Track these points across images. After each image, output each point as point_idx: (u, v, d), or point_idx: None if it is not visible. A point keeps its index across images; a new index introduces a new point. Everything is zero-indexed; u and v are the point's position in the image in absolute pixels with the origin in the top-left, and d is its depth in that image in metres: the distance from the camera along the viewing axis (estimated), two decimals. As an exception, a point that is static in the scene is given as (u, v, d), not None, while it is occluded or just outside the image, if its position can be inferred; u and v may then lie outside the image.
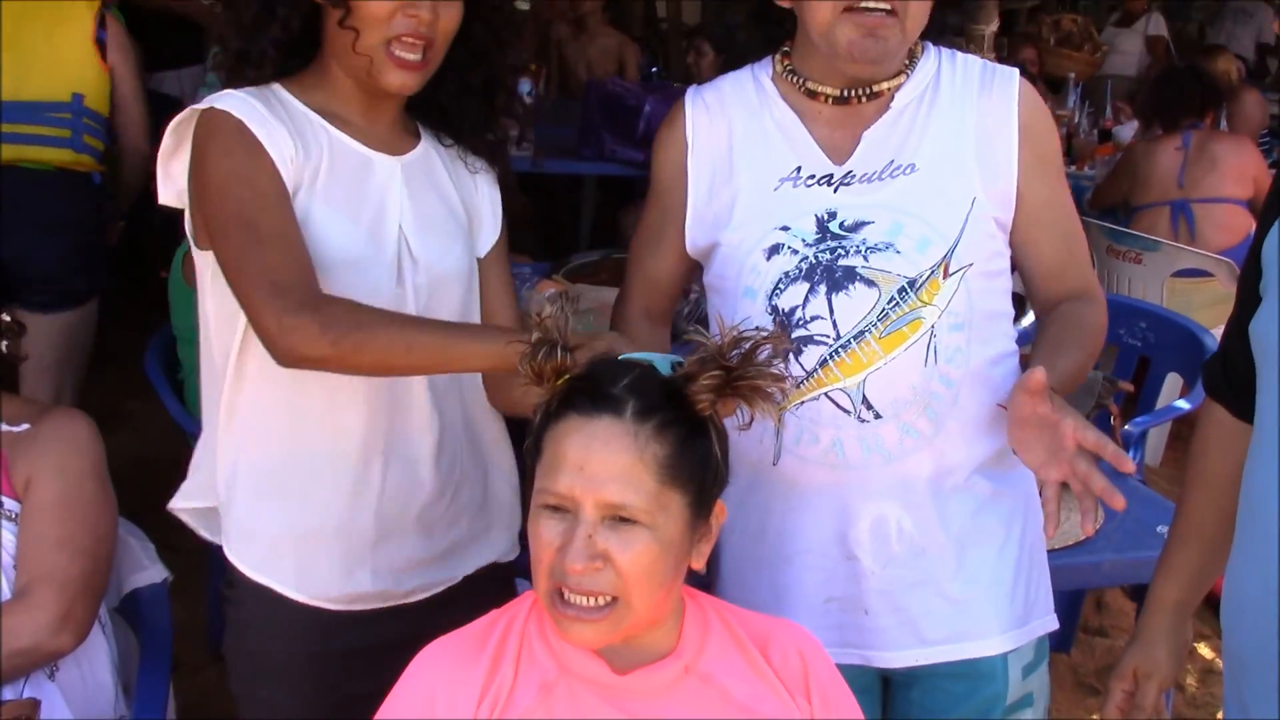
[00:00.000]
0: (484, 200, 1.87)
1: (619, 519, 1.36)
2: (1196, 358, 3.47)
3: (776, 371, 1.42)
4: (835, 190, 1.71)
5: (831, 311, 1.67)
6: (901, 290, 1.66)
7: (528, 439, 1.47)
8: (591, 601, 1.37)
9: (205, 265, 1.68)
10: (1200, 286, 4.54)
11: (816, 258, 1.68)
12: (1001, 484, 1.77)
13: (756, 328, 1.44)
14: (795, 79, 1.76)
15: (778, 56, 1.80)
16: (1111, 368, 3.69)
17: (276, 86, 1.69)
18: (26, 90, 3.22)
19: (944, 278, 1.67)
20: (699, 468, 1.41)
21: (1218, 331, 3.89)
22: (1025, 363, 1.70)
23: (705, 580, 1.85)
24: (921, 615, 1.74)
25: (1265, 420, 1.38)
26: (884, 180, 1.71)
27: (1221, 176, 4.91)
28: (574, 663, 1.44)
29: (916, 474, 1.71)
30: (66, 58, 3.32)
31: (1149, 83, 5.67)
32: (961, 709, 1.77)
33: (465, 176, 1.85)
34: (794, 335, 1.68)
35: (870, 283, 1.66)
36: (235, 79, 1.69)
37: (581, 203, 6.95)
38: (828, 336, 1.67)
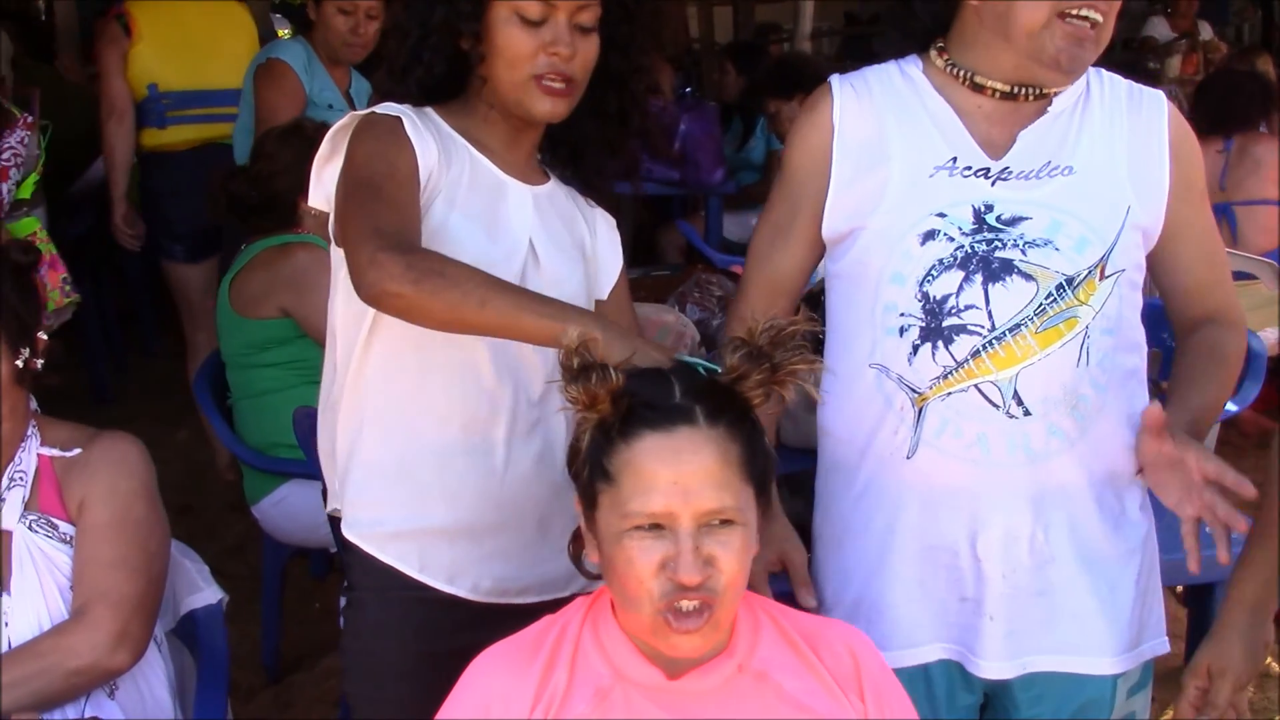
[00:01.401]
0: (602, 241, 1.93)
1: (714, 524, 1.38)
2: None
3: (809, 355, 1.43)
4: (993, 184, 1.69)
5: (988, 301, 1.65)
6: (1060, 287, 1.64)
7: (577, 465, 1.47)
8: (693, 606, 1.38)
9: (340, 265, 1.73)
10: (1243, 289, 4.48)
11: (973, 247, 1.66)
12: (1131, 499, 1.76)
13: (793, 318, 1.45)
14: (958, 71, 1.74)
15: (933, 52, 1.78)
16: (1156, 371, 3.66)
17: (428, 110, 1.78)
18: (214, 81, 4.22)
19: (1100, 279, 1.66)
20: (763, 460, 1.44)
21: (1263, 334, 3.86)
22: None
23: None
24: (1042, 625, 1.72)
25: None
26: (1041, 179, 1.70)
27: (1263, 179, 4.86)
28: (628, 668, 1.45)
29: (1057, 479, 1.69)
30: (241, 51, 4.27)
31: (1202, 89, 5.62)
32: None
33: (586, 219, 1.92)
34: (944, 324, 1.66)
35: (1029, 276, 1.64)
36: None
37: (620, 222, 6.97)
38: (982, 327, 1.65)
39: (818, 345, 1.78)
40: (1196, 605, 2.42)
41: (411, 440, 1.76)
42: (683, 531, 1.37)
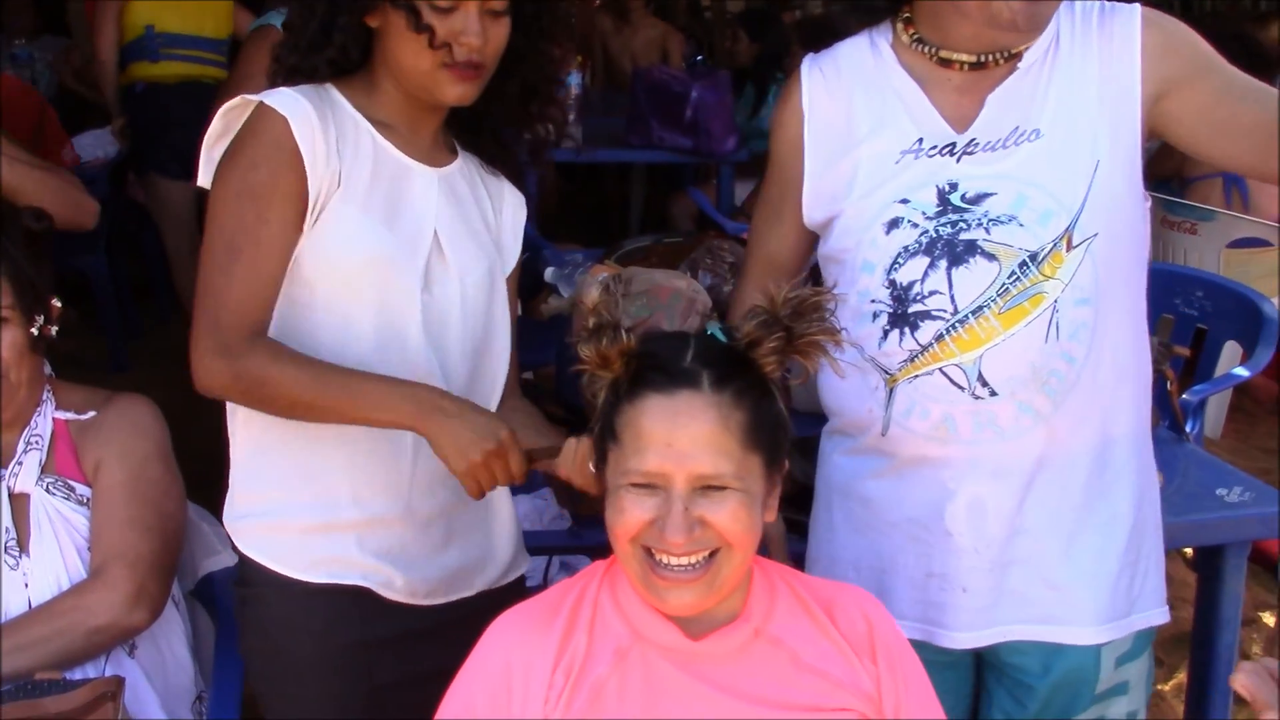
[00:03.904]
0: (506, 221, 1.90)
1: (709, 487, 1.39)
2: (1254, 325, 3.43)
3: (830, 325, 1.44)
4: (958, 160, 1.68)
5: (950, 286, 1.64)
6: (1023, 264, 1.63)
7: (592, 423, 1.49)
8: (690, 560, 1.39)
9: None
10: (1258, 256, 4.48)
11: (937, 231, 1.66)
12: (1118, 469, 1.74)
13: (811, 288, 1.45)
14: (925, 48, 1.72)
15: (900, 25, 1.75)
16: (1169, 337, 3.66)
17: (330, 87, 1.73)
18: (199, 28, 4.88)
19: (1067, 250, 1.63)
20: (772, 428, 1.44)
21: (1276, 300, 3.86)
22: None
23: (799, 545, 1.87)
24: (1015, 596, 1.72)
25: None
26: (1008, 148, 1.67)
27: (1277, 145, 4.84)
28: (648, 629, 1.46)
29: (1029, 453, 1.68)
30: (225, 9, 4.99)
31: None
32: (1046, 690, 1.75)
33: (492, 195, 1.89)
34: (910, 310, 1.66)
35: (991, 256, 1.63)
36: (289, 83, 1.72)
37: (631, 191, 6.98)
38: (945, 311, 1.65)
39: None
40: (1206, 569, 2.42)
41: (316, 433, 1.71)
42: (675, 492, 1.38)
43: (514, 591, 1.90)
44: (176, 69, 4.90)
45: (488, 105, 1.79)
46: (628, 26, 7.24)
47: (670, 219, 6.18)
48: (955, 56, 1.70)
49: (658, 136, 5.49)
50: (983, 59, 1.69)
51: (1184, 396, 3.20)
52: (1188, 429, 3.12)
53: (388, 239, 1.70)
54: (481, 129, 1.87)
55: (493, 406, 1.84)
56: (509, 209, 1.91)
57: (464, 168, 1.85)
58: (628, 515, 1.40)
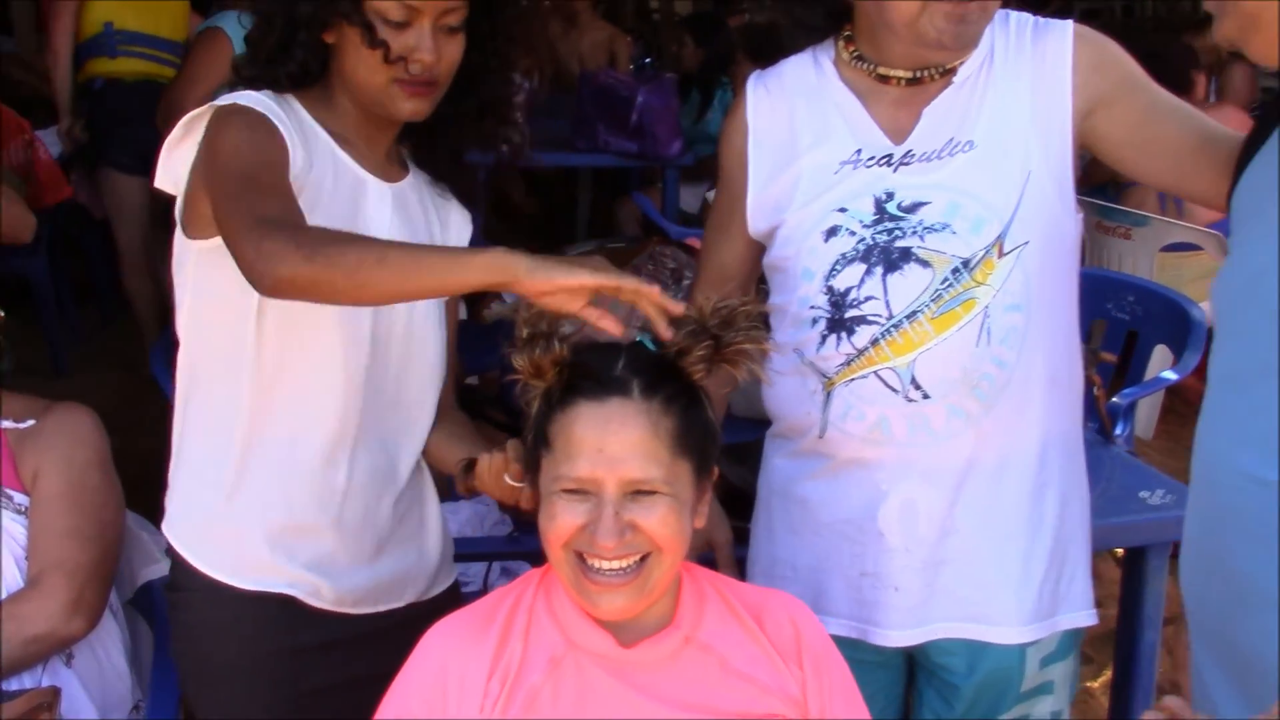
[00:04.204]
0: (453, 237, 1.91)
1: (639, 492, 1.42)
2: (1183, 329, 3.51)
3: (758, 335, 1.47)
4: (895, 170, 1.73)
5: (885, 291, 1.69)
6: (955, 270, 1.67)
7: (526, 431, 1.52)
8: (621, 564, 1.42)
9: (188, 255, 1.72)
10: (1190, 260, 4.57)
11: (874, 239, 1.70)
12: (1047, 473, 1.78)
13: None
14: (864, 65, 1.77)
15: (840, 42, 1.81)
16: (1100, 341, 3.73)
17: (290, 97, 1.74)
18: (156, 28, 4.91)
19: (999, 257, 1.68)
20: (701, 435, 1.48)
21: (1205, 304, 3.94)
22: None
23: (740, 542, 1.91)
24: (945, 595, 1.77)
25: (1212, 376, 1.45)
26: (943, 159, 1.72)
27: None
28: (581, 637, 1.48)
29: (959, 455, 1.73)
30: (181, 10, 5.07)
31: (1139, 60, 5.67)
32: (972, 690, 1.80)
33: (439, 214, 1.90)
34: (847, 315, 1.71)
35: (925, 263, 1.68)
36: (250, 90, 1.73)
37: (578, 195, 6.99)
38: (880, 316, 1.69)
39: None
40: (1130, 569, 2.49)
41: (250, 439, 1.72)
42: (606, 497, 1.41)
43: (444, 602, 1.91)
44: (135, 66, 4.91)
45: (444, 123, 1.81)
46: (575, 29, 7.24)
47: (616, 223, 6.21)
48: (892, 73, 1.75)
49: (603, 140, 5.51)
50: (918, 75, 1.74)
51: (1114, 399, 3.27)
52: (1118, 431, 3.19)
53: None
54: (437, 146, 1.89)
55: (422, 416, 1.86)
56: (455, 226, 1.92)
57: (414, 183, 1.86)
58: (560, 521, 1.43)
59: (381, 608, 1.84)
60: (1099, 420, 2.73)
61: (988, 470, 1.74)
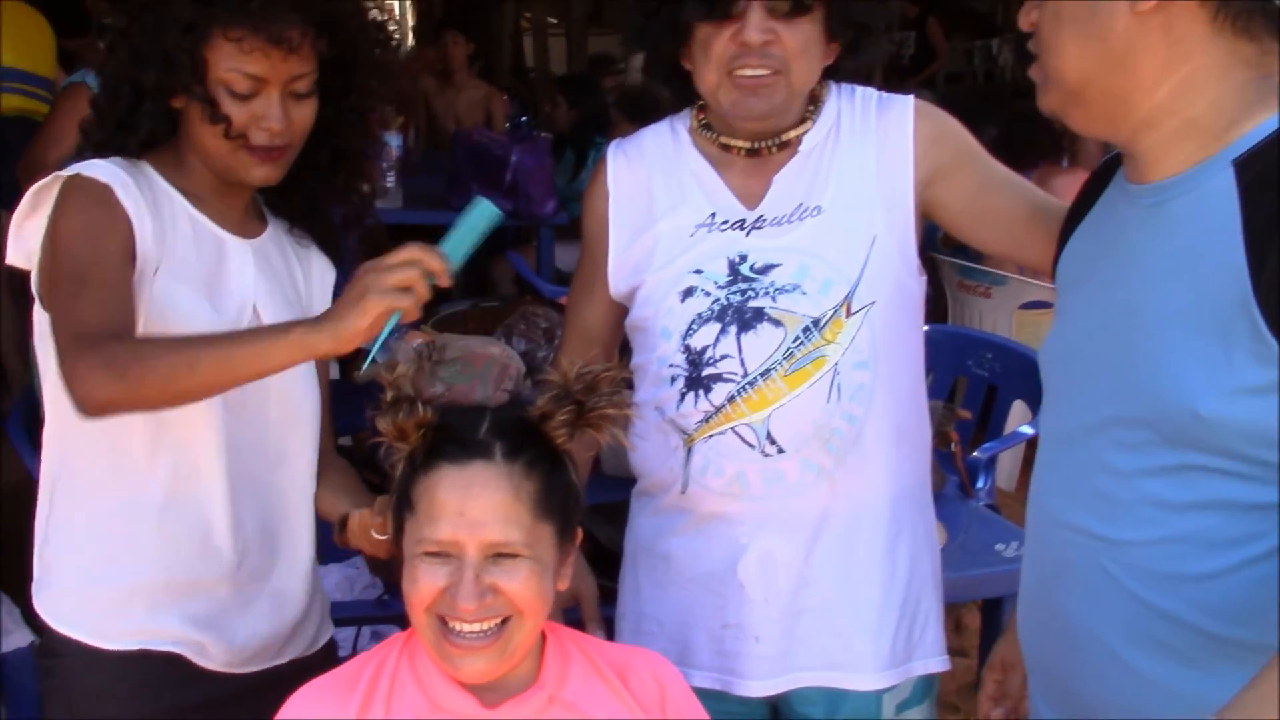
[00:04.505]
0: (316, 286, 1.92)
1: (500, 555, 1.43)
2: (1039, 385, 3.61)
3: (620, 400, 1.51)
4: (748, 234, 1.80)
5: (740, 350, 1.75)
6: (806, 329, 1.74)
7: (391, 493, 1.53)
8: (482, 627, 1.43)
9: (48, 328, 1.68)
10: (1047, 317, 4.70)
11: (728, 299, 1.77)
12: (898, 524, 1.85)
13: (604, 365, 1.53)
14: (710, 134, 1.85)
15: (694, 111, 1.89)
16: (961, 399, 3.85)
17: (143, 163, 1.72)
18: (33, 65, 4.80)
19: (846, 316, 1.75)
20: (563, 498, 1.50)
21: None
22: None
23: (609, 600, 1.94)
24: (804, 644, 1.82)
25: (1043, 435, 1.53)
26: (793, 223, 1.80)
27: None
28: (445, 700, 1.48)
29: (814, 508, 1.79)
30: (49, 45, 4.93)
31: (1002, 125, 5.88)
32: None
33: (301, 263, 1.90)
34: (704, 373, 1.76)
35: (777, 323, 1.75)
36: (99, 157, 1.70)
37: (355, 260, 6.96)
38: (735, 374, 1.75)
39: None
40: (988, 618, 2.57)
41: (112, 497, 1.71)
42: (467, 560, 1.42)
43: (325, 659, 1.91)
44: (13, 102, 4.87)
45: (297, 176, 1.81)
46: (451, 87, 7.28)
47: (491, 281, 6.22)
48: (734, 143, 1.83)
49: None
50: (756, 146, 1.82)
51: (974, 454, 3.37)
52: (979, 484, 3.29)
53: (215, 317, 1.71)
54: (294, 195, 1.88)
55: (305, 469, 1.86)
56: (317, 273, 1.93)
57: (274, 235, 1.86)
58: (421, 584, 1.44)
59: (266, 665, 1.82)
60: (958, 475, 2.82)
61: (841, 522, 1.80)
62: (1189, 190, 1.33)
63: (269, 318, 1.76)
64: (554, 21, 10.19)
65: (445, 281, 1.48)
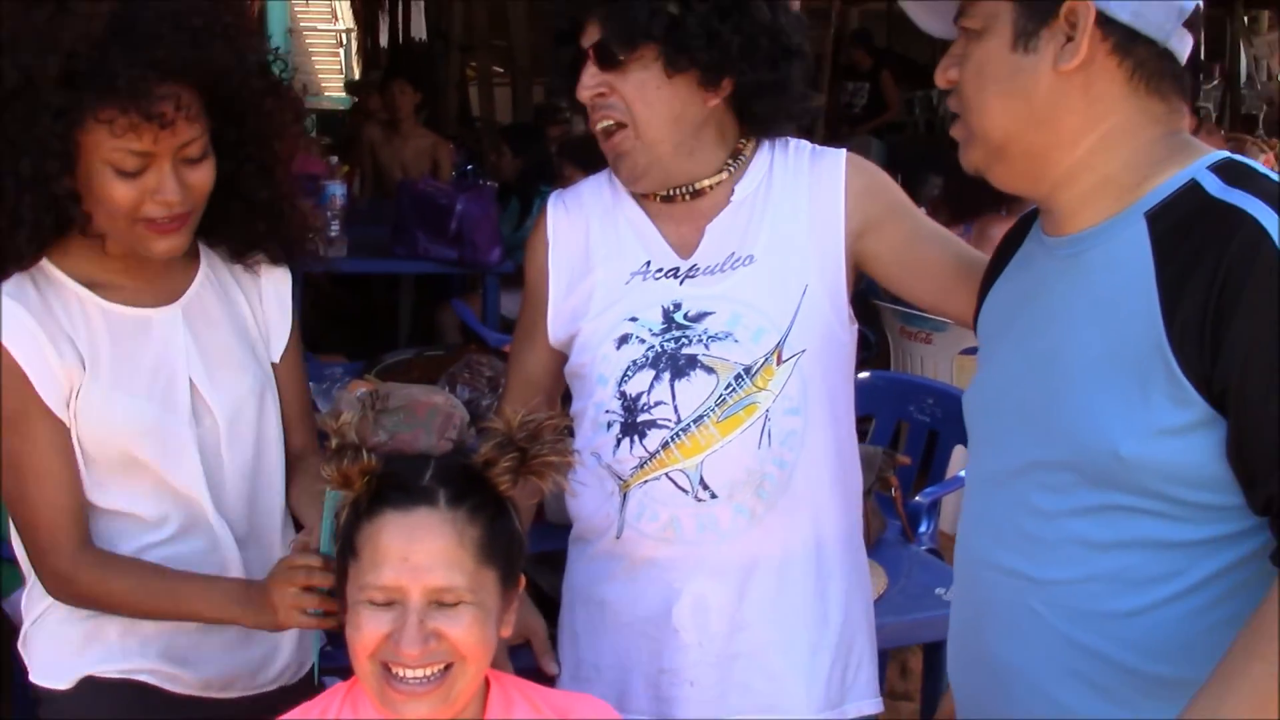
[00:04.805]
0: (269, 305, 1.89)
1: (444, 602, 1.44)
2: (980, 430, 3.68)
3: (563, 448, 1.54)
4: (681, 283, 1.84)
5: (674, 397, 1.78)
6: (738, 376, 1.77)
7: (335, 541, 1.54)
8: (425, 673, 1.44)
9: None
10: (986, 363, 4.80)
11: (662, 346, 1.80)
12: (830, 568, 1.88)
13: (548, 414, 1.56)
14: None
15: None
16: (904, 444, 3.89)
17: (45, 263, 1.68)
18: None
19: (777, 364, 1.79)
20: (507, 544, 1.52)
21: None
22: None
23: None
24: (739, 687, 1.84)
25: (969, 479, 1.57)
26: (725, 272, 1.83)
27: (1001, 257, 5.21)
28: (385, 746, 1.48)
29: (746, 552, 1.81)
30: None
31: (948, 176, 5.97)
32: None
33: (250, 283, 1.88)
34: (639, 419, 1.79)
35: (710, 369, 1.78)
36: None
37: (399, 301, 6.99)
38: (669, 420, 1.78)
39: None
40: (930, 662, 2.59)
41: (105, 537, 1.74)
42: (410, 605, 1.44)
43: (307, 686, 1.89)
44: None
45: (217, 225, 1.78)
46: (398, 136, 7.31)
47: (437, 329, 6.22)
48: (639, 191, 1.88)
49: (423, 248, 5.54)
50: (671, 194, 1.86)
51: (916, 498, 3.42)
52: (922, 528, 3.33)
53: (146, 408, 1.72)
54: (221, 241, 1.84)
55: (278, 518, 1.88)
56: (270, 288, 1.90)
57: (208, 273, 1.83)
58: (365, 631, 1.45)
59: (249, 692, 1.84)
60: (900, 520, 2.86)
61: (773, 566, 1.83)
62: (1104, 241, 1.38)
63: (205, 384, 1.76)
64: (499, 71, 10.26)
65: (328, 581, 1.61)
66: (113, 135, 1.58)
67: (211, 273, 1.84)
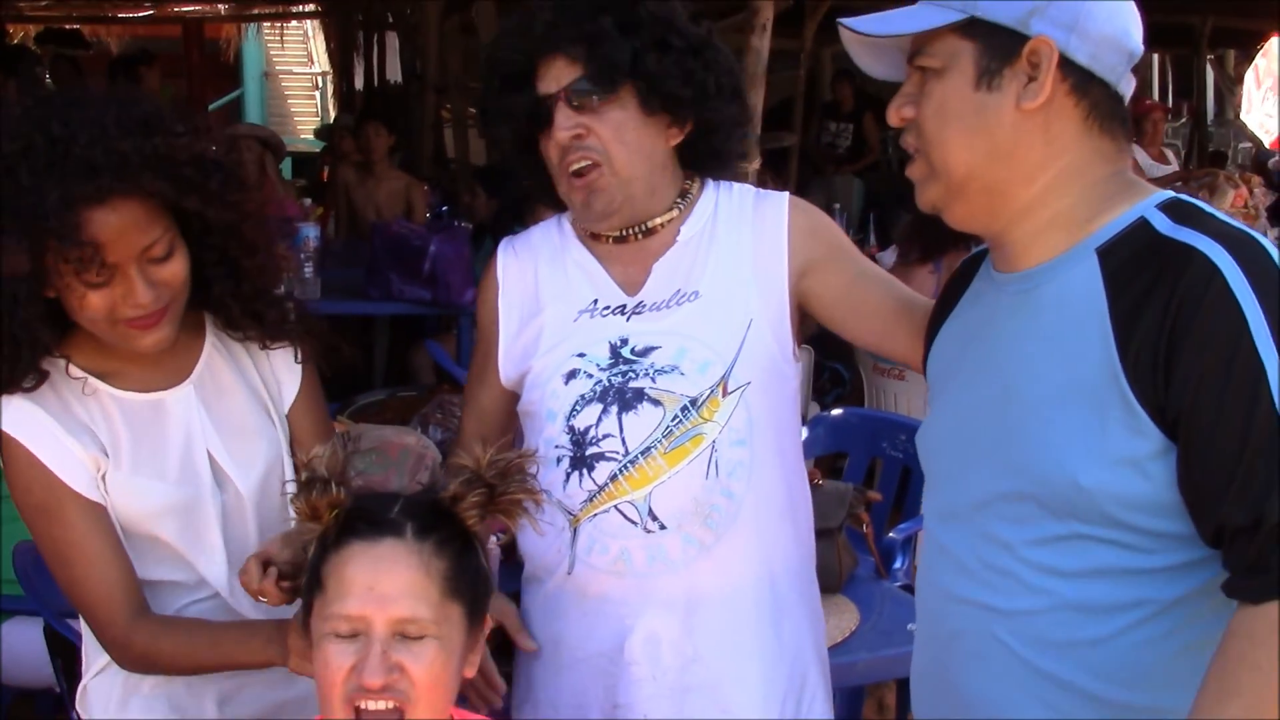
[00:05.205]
0: (276, 362, 1.90)
1: (408, 635, 1.44)
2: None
3: (531, 486, 1.55)
4: (628, 319, 1.86)
5: (621, 429, 1.79)
6: (684, 408, 1.79)
7: (302, 574, 1.54)
8: (386, 705, 1.44)
9: None
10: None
11: (610, 380, 1.82)
12: (781, 599, 1.89)
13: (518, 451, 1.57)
14: (578, 226, 1.92)
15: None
16: (878, 481, 3.90)
17: (58, 360, 1.70)
18: None
19: (723, 396, 1.80)
20: (473, 579, 1.52)
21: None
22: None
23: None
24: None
25: (928, 515, 1.60)
26: (672, 308, 1.86)
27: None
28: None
29: (700, 584, 1.82)
30: None
31: (913, 215, 6.03)
32: None
33: (249, 351, 1.87)
34: (588, 453, 1.80)
35: (656, 402, 1.80)
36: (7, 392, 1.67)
37: (374, 342, 6.98)
38: (617, 453, 1.79)
39: None
40: (903, 698, 2.59)
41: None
42: (374, 636, 1.44)
43: None
44: None
45: (209, 303, 1.79)
46: (372, 178, 7.31)
47: (412, 370, 6.21)
48: (602, 231, 1.90)
49: (397, 289, 5.54)
50: (624, 234, 1.89)
51: (890, 535, 3.42)
52: (896, 564, 3.33)
53: (169, 490, 1.74)
54: (216, 314, 1.84)
55: None
56: (278, 358, 1.89)
57: (215, 341, 1.83)
58: (331, 666, 1.45)
59: None
60: (872, 557, 2.86)
61: (723, 597, 1.83)
62: (1056, 276, 1.41)
63: (224, 457, 1.78)
64: (474, 113, 10.31)
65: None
66: (66, 261, 1.57)
67: (218, 340, 1.84)
